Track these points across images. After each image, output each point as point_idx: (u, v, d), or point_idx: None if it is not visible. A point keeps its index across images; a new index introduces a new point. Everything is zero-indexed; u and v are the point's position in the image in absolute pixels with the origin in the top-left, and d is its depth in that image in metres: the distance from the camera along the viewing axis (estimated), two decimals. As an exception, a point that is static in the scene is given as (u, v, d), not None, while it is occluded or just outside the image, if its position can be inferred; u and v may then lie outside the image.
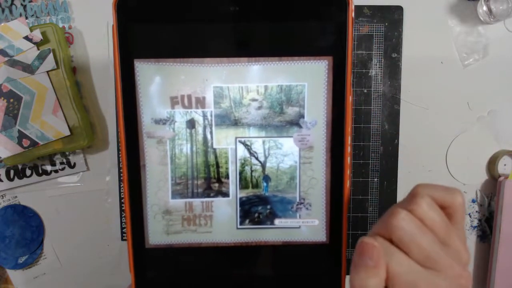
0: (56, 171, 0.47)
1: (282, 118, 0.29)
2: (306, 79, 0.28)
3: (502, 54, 0.48)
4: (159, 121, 0.29)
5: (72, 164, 0.48)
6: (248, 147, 0.29)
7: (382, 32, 0.47)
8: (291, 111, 0.29)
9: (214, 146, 0.29)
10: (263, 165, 0.30)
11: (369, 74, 0.47)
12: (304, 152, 0.29)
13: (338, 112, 0.28)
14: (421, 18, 0.47)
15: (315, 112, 0.29)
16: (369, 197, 0.48)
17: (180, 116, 0.29)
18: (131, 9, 0.27)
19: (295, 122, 0.29)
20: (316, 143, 0.29)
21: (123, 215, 0.49)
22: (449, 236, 0.24)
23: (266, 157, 0.29)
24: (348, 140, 0.28)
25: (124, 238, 0.49)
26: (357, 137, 0.48)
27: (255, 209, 0.30)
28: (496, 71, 0.48)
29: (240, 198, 0.30)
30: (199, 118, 0.29)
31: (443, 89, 0.48)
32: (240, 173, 0.30)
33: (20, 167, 0.47)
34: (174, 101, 0.29)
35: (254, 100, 0.29)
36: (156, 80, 0.28)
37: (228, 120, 0.29)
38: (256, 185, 0.30)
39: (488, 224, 0.50)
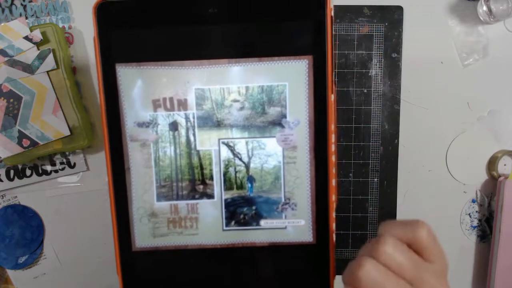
0: (56, 171, 0.47)
1: (264, 119, 0.29)
2: (287, 78, 0.28)
3: (502, 54, 0.48)
4: (142, 124, 0.29)
5: (72, 164, 0.48)
6: (231, 148, 0.29)
7: (382, 32, 0.47)
8: (273, 111, 0.29)
9: (198, 148, 0.29)
10: (247, 166, 0.29)
11: (369, 74, 0.47)
12: (288, 152, 0.29)
13: (321, 111, 0.28)
14: (421, 18, 0.47)
15: (298, 112, 0.29)
16: (369, 197, 0.48)
17: (163, 118, 0.29)
18: (111, 14, 0.27)
19: (278, 122, 0.29)
20: (300, 142, 0.29)
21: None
22: (419, 275, 0.23)
23: (249, 158, 0.29)
24: (332, 138, 0.28)
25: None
26: (357, 137, 0.48)
27: (240, 210, 0.30)
28: (496, 71, 0.48)
29: (225, 200, 0.30)
30: (181, 120, 0.29)
31: (443, 89, 0.48)
32: (224, 174, 0.29)
33: (20, 167, 0.47)
34: (156, 104, 0.29)
35: (235, 101, 0.29)
36: (138, 83, 0.28)
37: (210, 121, 0.29)
38: (240, 186, 0.30)
39: (488, 224, 0.50)
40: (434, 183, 0.49)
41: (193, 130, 0.29)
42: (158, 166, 0.29)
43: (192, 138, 0.29)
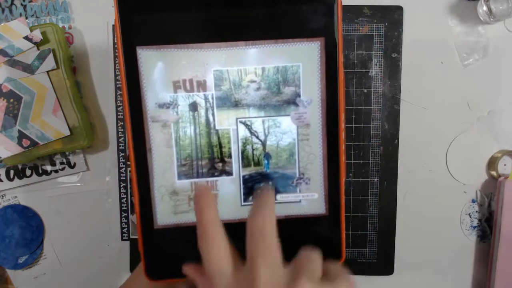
0: (56, 171, 0.48)
1: (279, 98, 0.30)
2: (300, 59, 0.30)
3: (502, 54, 0.48)
4: (162, 105, 0.30)
5: (72, 164, 0.48)
6: (248, 127, 0.31)
7: (382, 32, 0.47)
8: (287, 90, 0.30)
9: (217, 127, 0.30)
10: (263, 144, 0.31)
11: (369, 74, 0.47)
12: (302, 129, 0.30)
13: (332, 89, 0.30)
14: (421, 18, 0.47)
15: (310, 91, 0.30)
16: (369, 197, 0.48)
17: (183, 99, 0.30)
18: None
19: (292, 101, 0.30)
20: (313, 120, 0.30)
21: (123, 215, 0.49)
22: None
23: (266, 136, 0.31)
24: (342, 116, 0.30)
25: (124, 238, 0.49)
26: (357, 137, 0.48)
27: (257, 186, 0.31)
28: (496, 71, 0.48)
29: (243, 176, 0.31)
30: (201, 101, 0.30)
31: (443, 89, 0.48)
32: (242, 152, 0.31)
33: (20, 167, 0.47)
34: (176, 86, 0.30)
35: (252, 81, 0.30)
36: (159, 66, 0.29)
37: (228, 101, 0.30)
38: (257, 163, 0.31)
39: (488, 224, 0.50)
40: (434, 183, 0.49)
41: (212, 110, 0.30)
42: (179, 145, 0.30)
43: (211, 118, 0.30)
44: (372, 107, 0.47)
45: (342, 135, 0.30)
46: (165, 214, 0.30)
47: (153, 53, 0.29)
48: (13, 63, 0.43)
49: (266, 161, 0.31)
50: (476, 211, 0.49)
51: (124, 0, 0.28)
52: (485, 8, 0.45)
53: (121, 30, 0.28)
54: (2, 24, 0.44)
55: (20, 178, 0.47)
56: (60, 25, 0.46)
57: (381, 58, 0.47)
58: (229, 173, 0.31)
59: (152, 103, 0.29)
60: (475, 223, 0.50)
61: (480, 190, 0.49)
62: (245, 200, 0.31)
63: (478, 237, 0.50)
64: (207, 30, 0.29)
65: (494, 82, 0.48)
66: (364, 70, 0.47)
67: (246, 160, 0.31)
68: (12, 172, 0.47)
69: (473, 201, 0.49)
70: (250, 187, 0.31)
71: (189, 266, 0.27)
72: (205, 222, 0.24)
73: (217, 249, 0.24)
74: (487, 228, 0.50)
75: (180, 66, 0.29)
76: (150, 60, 0.29)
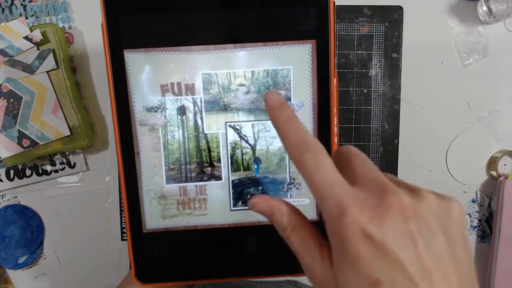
0: (56, 171, 0.47)
1: None
2: (291, 63, 0.29)
3: (502, 54, 0.48)
4: (150, 109, 0.29)
5: (72, 164, 0.48)
6: (238, 131, 0.30)
7: (382, 32, 0.47)
8: None
9: (205, 131, 0.30)
10: (253, 148, 0.30)
11: (369, 74, 0.47)
12: None
13: (324, 94, 0.29)
14: (421, 18, 0.47)
15: (302, 95, 0.29)
16: (369, 197, 0.48)
17: (171, 103, 0.29)
18: (118, 0, 0.28)
19: None
20: (304, 124, 0.30)
21: (123, 215, 0.49)
22: None
23: (255, 140, 0.30)
24: (334, 120, 0.29)
25: (124, 238, 0.49)
26: (357, 137, 0.48)
27: (247, 191, 0.31)
28: (496, 71, 0.48)
29: (233, 181, 0.30)
30: (189, 104, 0.30)
31: (443, 89, 0.48)
32: (232, 156, 0.30)
33: (20, 167, 0.47)
34: (164, 89, 0.29)
35: (242, 85, 0.30)
36: (146, 69, 0.29)
37: (217, 105, 0.30)
38: (247, 168, 0.30)
39: (488, 224, 0.50)
40: (434, 183, 0.49)
41: (201, 114, 0.30)
42: (167, 149, 0.30)
43: (199, 121, 0.30)
44: (372, 107, 0.47)
45: (335, 139, 0.29)
46: (154, 218, 0.30)
47: (140, 56, 0.28)
48: (13, 63, 0.43)
49: (256, 166, 0.30)
50: (476, 211, 0.49)
51: (111, 3, 0.28)
52: (485, 8, 0.45)
53: (108, 33, 0.28)
54: (2, 24, 0.44)
55: (20, 178, 0.47)
56: (60, 25, 0.46)
57: (381, 58, 0.47)
58: (218, 178, 0.30)
59: (139, 107, 0.29)
60: (475, 223, 0.50)
61: (480, 190, 0.49)
62: (234, 205, 0.30)
63: (478, 237, 0.50)
64: (195, 32, 0.29)
65: (494, 82, 0.48)
66: (364, 70, 0.47)
67: (235, 165, 0.30)
68: (12, 172, 0.47)
69: (473, 201, 0.49)
70: (240, 192, 0.30)
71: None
72: (299, 132, 0.20)
73: (327, 159, 0.19)
74: (487, 228, 0.50)
75: (168, 70, 0.29)
76: (138, 63, 0.28)
